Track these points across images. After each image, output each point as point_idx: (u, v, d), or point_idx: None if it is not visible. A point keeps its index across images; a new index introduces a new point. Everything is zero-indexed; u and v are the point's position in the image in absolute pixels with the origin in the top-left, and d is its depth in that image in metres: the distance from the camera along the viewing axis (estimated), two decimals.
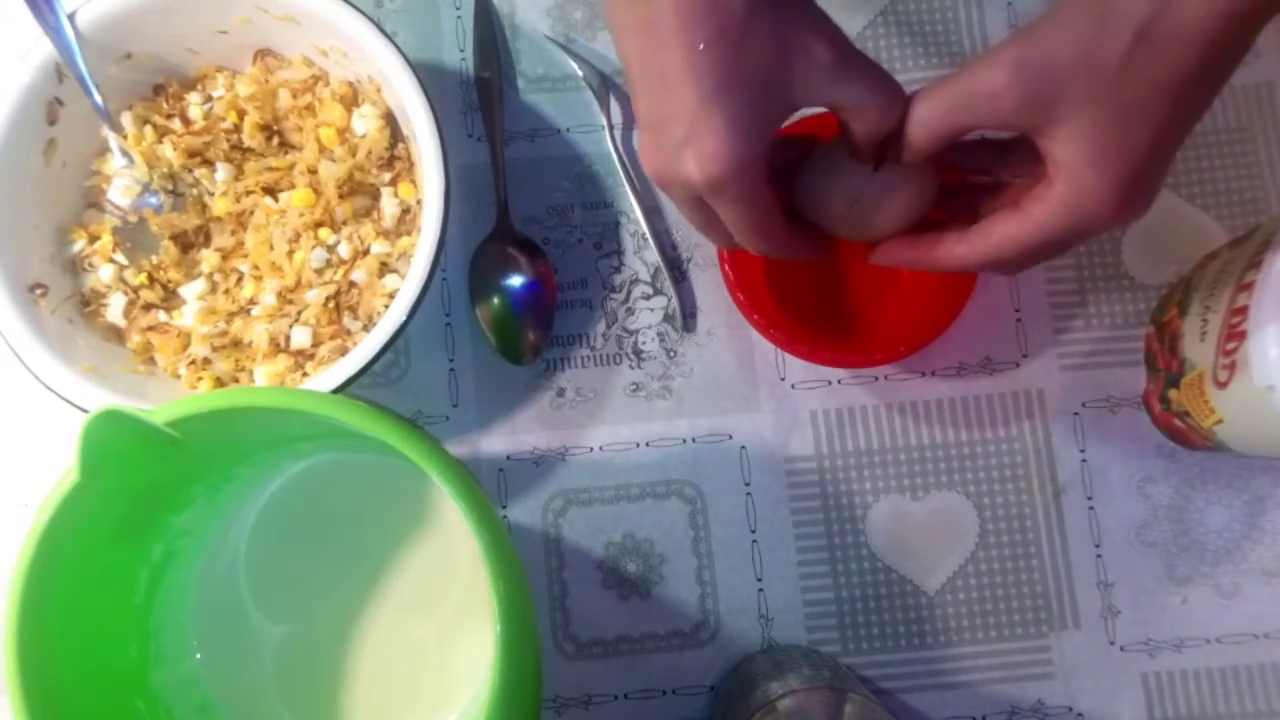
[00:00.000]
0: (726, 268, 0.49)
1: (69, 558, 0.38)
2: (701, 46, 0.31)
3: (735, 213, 0.35)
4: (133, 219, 0.52)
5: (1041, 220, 0.35)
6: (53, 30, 0.49)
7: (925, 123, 0.35)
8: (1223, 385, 0.44)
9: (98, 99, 0.50)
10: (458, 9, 0.57)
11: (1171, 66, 0.31)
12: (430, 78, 0.50)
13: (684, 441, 0.54)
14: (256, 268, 0.52)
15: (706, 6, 0.31)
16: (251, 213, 0.52)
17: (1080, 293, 0.54)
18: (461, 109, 0.56)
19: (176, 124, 0.53)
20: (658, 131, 0.34)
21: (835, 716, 0.44)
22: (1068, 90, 0.32)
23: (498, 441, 0.54)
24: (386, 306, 0.50)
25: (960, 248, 0.37)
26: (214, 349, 0.51)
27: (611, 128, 0.55)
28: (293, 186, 0.52)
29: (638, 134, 0.35)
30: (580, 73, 0.55)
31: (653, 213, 0.55)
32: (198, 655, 0.47)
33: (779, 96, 0.34)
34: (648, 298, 0.55)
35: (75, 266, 0.53)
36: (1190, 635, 0.52)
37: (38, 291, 0.50)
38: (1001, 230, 0.36)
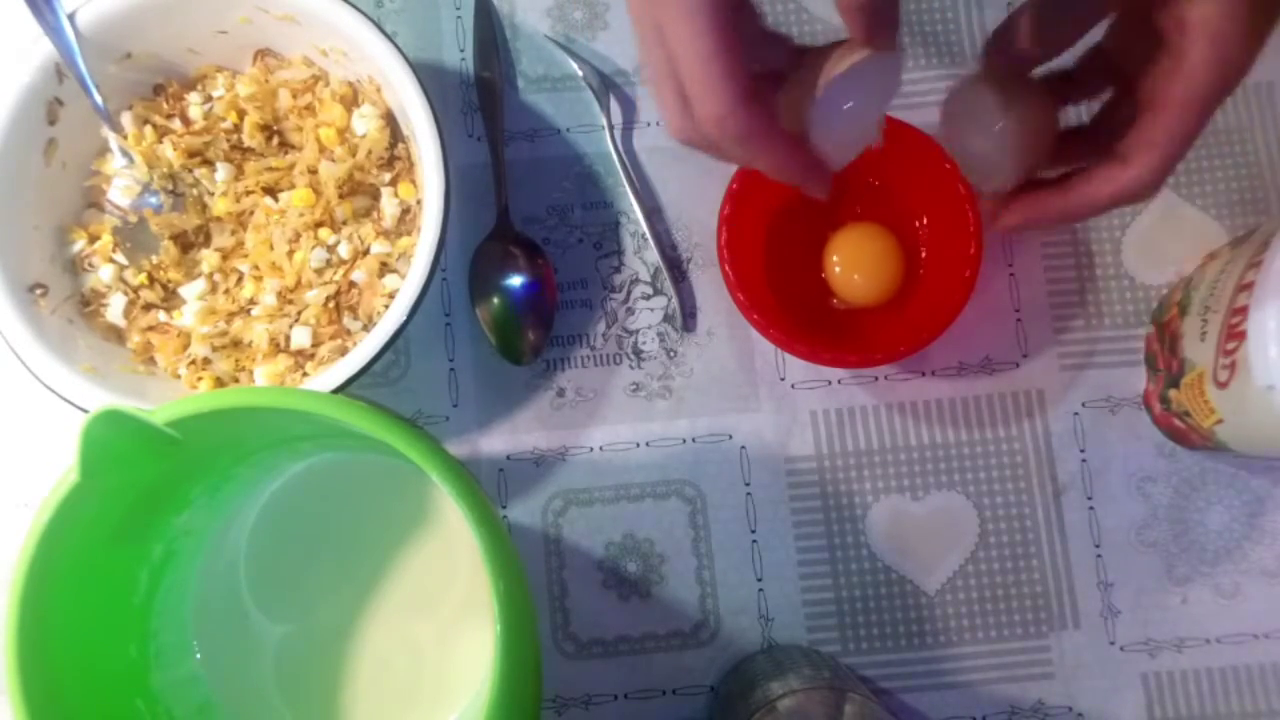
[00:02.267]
0: (727, 268, 0.49)
1: (69, 558, 0.38)
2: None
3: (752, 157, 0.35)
4: (133, 219, 0.52)
5: (1193, 92, 0.32)
6: (53, 30, 0.49)
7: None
8: (1223, 385, 0.44)
9: (98, 99, 0.50)
10: (458, 9, 0.57)
11: None
12: (430, 78, 0.50)
13: (684, 441, 0.54)
14: (256, 268, 0.52)
15: None
16: (251, 213, 0.52)
17: (1080, 293, 0.54)
18: (461, 109, 0.56)
19: (176, 124, 0.53)
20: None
21: (835, 716, 0.44)
22: None
23: (498, 441, 0.54)
24: (386, 306, 0.50)
25: (1122, 172, 0.35)
26: (214, 349, 0.51)
27: (611, 128, 0.55)
28: (293, 186, 0.52)
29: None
30: (580, 73, 0.55)
31: (653, 213, 0.55)
32: (198, 655, 0.47)
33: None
34: (648, 298, 0.55)
35: (75, 266, 0.53)
36: (1190, 635, 0.52)
37: (38, 291, 0.50)
38: (1158, 127, 0.34)
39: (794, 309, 0.52)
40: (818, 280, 0.53)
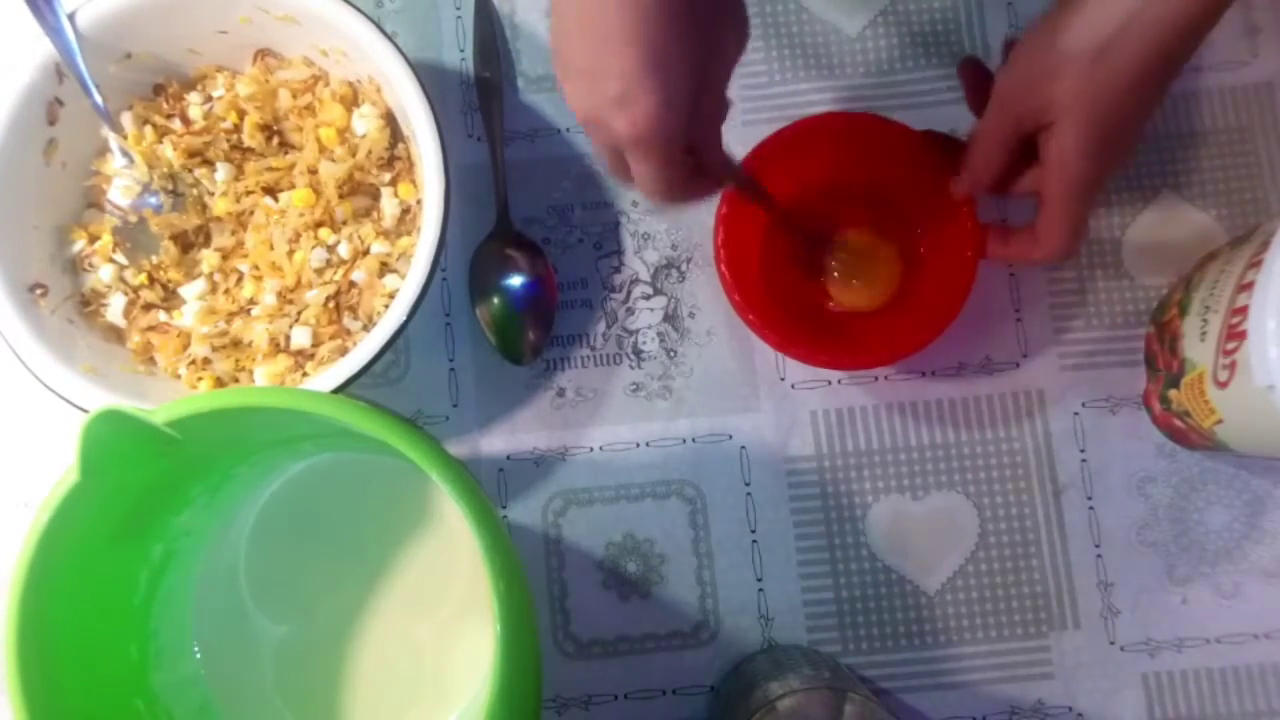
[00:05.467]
0: (723, 268, 0.49)
1: (69, 558, 0.38)
2: (648, 13, 0.34)
3: (648, 169, 0.38)
4: (133, 219, 0.52)
5: (1054, 202, 0.43)
6: (53, 30, 0.49)
7: (984, 146, 0.44)
8: (1223, 385, 0.44)
9: (98, 99, 0.50)
10: (458, 9, 0.57)
11: (1132, 73, 0.38)
12: (430, 78, 0.50)
13: (684, 441, 0.54)
14: (256, 268, 0.52)
15: None
16: (251, 213, 0.52)
17: (1080, 293, 0.54)
18: (461, 109, 0.56)
19: (176, 124, 0.53)
20: (592, 81, 0.36)
21: (835, 716, 0.44)
22: (1053, 104, 0.40)
23: (498, 441, 0.54)
24: (386, 306, 0.50)
25: (1035, 247, 0.44)
26: (214, 349, 0.51)
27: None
28: (293, 186, 0.52)
29: (565, 74, 0.37)
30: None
31: (653, 213, 0.55)
32: (198, 655, 0.47)
33: (704, 70, 0.37)
34: (648, 298, 0.55)
35: (75, 266, 0.53)
36: (1190, 635, 0.52)
37: (38, 291, 0.50)
38: (1043, 220, 0.44)
39: (791, 309, 0.52)
40: (815, 281, 0.53)
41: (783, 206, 0.50)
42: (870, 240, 0.53)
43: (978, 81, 0.46)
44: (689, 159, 0.39)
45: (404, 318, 0.46)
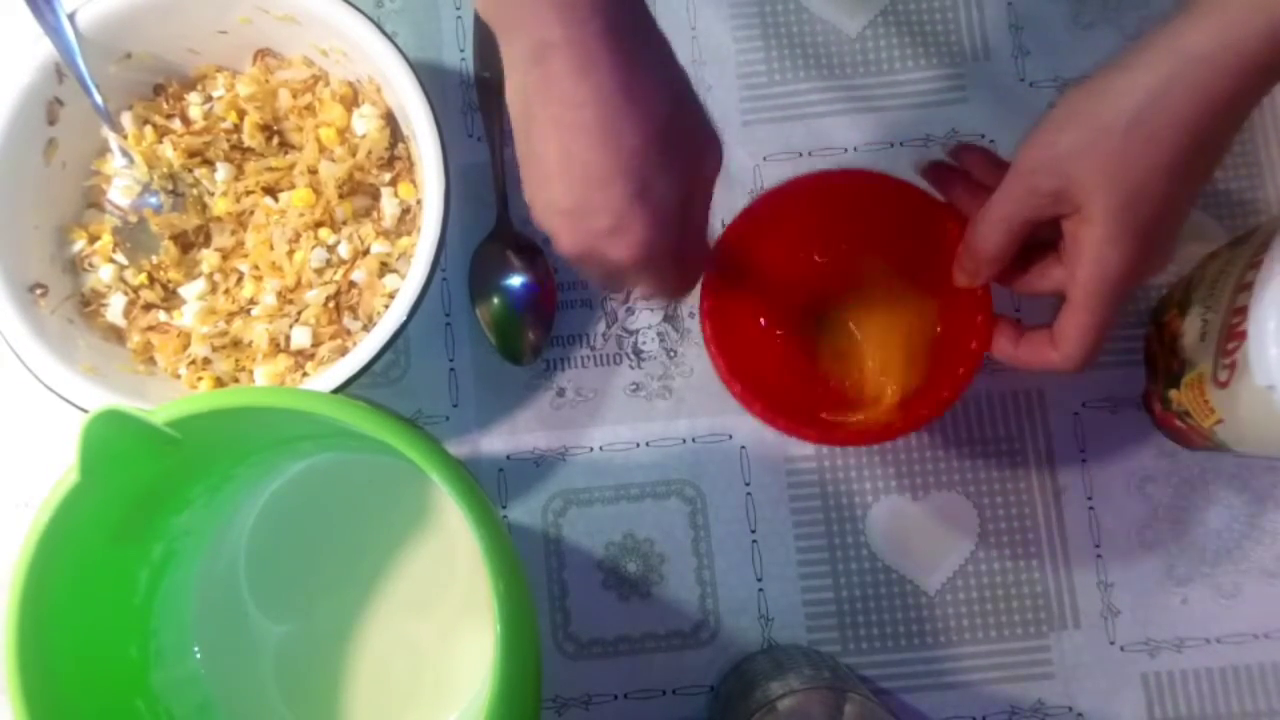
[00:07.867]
0: (720, 362, 0.45)
1: (69, 558, 0.38)
2: (631, 152, 0.35)
3: (647, 284, 0.40)
4: (133, 219, 0.52)
5: (1083, 299, 0.39)
6: (53, 30, 0.49)
7: (994, 226, 0.40)
8: (1223, 385, 0.44)
9: (98, 99, 0.50)
10: (458, 9, 0.57)
11: (1166, 149, 0.35)
12: (430, 78, 0.50)
13: (684, 441, 0.54)
14: (256, 268, 0.52)
15: (638, 116, 0.34)
16: (251, 213, 0.52)
17: None
18: (461, 109, 0.56)
19: (176, 124, 0.53)
20: (580, 219, 0.36)
21: (835, 716, 0.44)
22: (1081, 183, 0.37)
23: (498, 441, 0.54)
24: (386, 306, 0.50)
25: (1051, 353, 0.41)
26: (214, 349, 0.51)
27: None
28: (293, 186, 0.52)
29: (547, 215, 0.37)
30: None
31: None
32: (198, 655, 0.47)
33: (686, 190, 0.38)
34: (648, 297, 0.54)
35: (75, 266, 0.53)
36: (1190, 635, 0.52)
37: (38, 291, 0.50)
38: (1066, 323, 0.40)
39: (793, 375, 0.49)
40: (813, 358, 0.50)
41: (770, 281, 0.47)
42: (870, 322, 0.49)
43: (943, 177, 0.44)
44: (680, 262, 0.40)
45: (404, 318, 0.46)
